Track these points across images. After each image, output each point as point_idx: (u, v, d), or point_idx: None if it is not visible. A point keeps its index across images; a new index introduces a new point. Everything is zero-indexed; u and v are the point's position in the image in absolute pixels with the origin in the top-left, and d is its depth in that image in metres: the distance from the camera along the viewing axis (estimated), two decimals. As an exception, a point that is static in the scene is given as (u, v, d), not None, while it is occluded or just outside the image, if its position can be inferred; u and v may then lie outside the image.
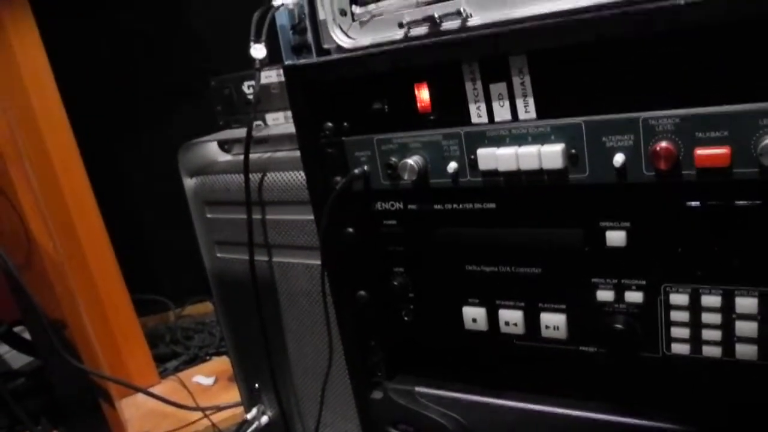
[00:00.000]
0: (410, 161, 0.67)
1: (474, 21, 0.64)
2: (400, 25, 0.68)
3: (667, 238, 0.60)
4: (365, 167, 0.72)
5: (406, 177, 0.67)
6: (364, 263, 0.77)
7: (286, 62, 0.89)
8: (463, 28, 0.64)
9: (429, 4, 0.66)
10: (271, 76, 1.03)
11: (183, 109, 1.96)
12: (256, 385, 1.09)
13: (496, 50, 0.62)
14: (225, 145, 1.08)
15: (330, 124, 0.74)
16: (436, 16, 0.65)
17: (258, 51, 0.93)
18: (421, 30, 0.67)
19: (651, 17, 0.54)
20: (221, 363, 1.80)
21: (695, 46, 0.55)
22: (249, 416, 1.09)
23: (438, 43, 0.65)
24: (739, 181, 0.55)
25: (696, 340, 0.62)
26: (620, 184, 0.59)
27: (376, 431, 0.83)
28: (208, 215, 1.04)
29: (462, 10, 0.63)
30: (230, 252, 1.01)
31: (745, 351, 0.60)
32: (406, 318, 0.76)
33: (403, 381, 0.81)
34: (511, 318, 0.69)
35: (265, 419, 1.10)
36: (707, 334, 0.61)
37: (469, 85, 0.65)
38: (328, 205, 0.74)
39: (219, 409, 1.52)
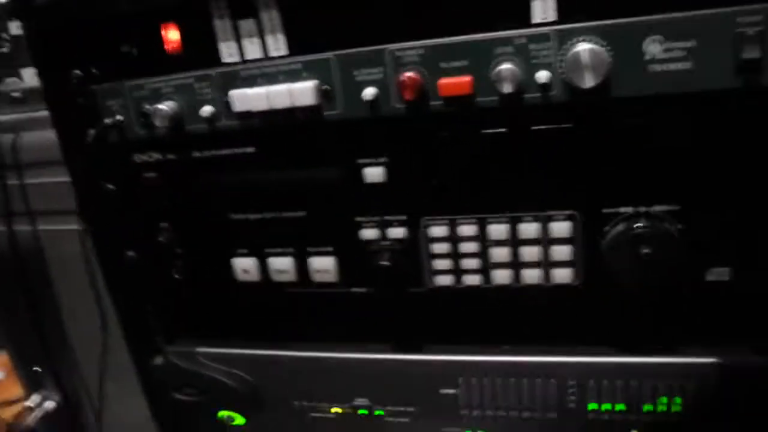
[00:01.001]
0: (162, 106, 0.63)
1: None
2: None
3: (422, 171, 0.61)
4: (118, 116, 0.66)
5: (158, 123, 0.63)
6: (129, 221, 0.71)
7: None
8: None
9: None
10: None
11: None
12: (36, 369, 1.00)
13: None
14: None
15: (78, 71, 0.67)
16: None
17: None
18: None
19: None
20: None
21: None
22: (29, 403, 1.00)
23: (182, -23, 0.61)
24: (483, 109, 0.56)
25: (457, 271, 0.63)
26: (373, 118, 0.59)
27: (161, 398, 0.79)
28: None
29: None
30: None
31: (501, 276, 0.62)
32: (177, 276, 0.72)
33: (184, 343, 0.77)
34: (282, 265, 0.68)
35: (50, 404, 1.01)
36: (466, 263, 0.63)
37: (217, 23, 0.61)
38: (81, 160, 0.68)
39: (9, 403, 1.39)
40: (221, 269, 0.70)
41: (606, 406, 0.65)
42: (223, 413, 0.77)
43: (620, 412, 0.65)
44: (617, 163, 0.57)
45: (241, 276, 0.69)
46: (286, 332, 0.73)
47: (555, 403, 0.66)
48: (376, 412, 0.71)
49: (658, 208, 0.57)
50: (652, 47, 0.52)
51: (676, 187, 0.57)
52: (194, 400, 0.77)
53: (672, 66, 0.52)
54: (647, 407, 0.64)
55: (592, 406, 0.65)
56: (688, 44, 0.51)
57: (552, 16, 0.54)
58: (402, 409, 0.70)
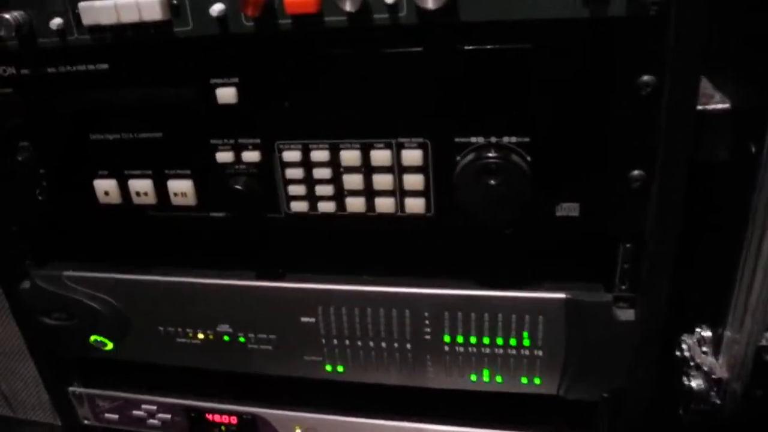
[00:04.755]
0: (7, 15, 0.60)
1: None
2: None
3: (274, 93, 0.59)
4: (-34, 26, 0.63)
5: (3, 33, 0.60)
6: (-14, 139, 0.69)
7: None
8: None
9: None
10: None
11: None
12: None
13: None
14: None
15: None
16: None
17: None
18: None
19: None
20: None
21: None
22: None
23: None
24: (333, 29, 0.55)
25: (312, 197, 0.63)
26: (223, 36, 0.57)
27: (31, 322, 0.78)
28: None
29: None
30: None
31: (355, 203, 0.62)
32: (40, 197, 0.70)
33: (52, 267, 0.76)
34: (141, 188, 0.66)
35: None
36: (320, 189, 0.62)
37: (63, -73, 0.58)
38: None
39: None
40: (84, 191, 0.68)
41: (460, 339, 0.66)
42: (94, 338, 0.76)
43: (474, 344, 0.66)
44: (468, 91, 0.56)
45: (102, 198, 0.68)
46: (150, 257, 0.72)
47: (411, 334, 0.67)
48: (239, 339, 0.71)
49: (508, 139, 0.57)
50: (505, -28, 0.51)
51: (526, 118, 0.56)
52: (63, 325, 0.76)
53: (520, -9, 0.51)
54: (500, 340, 0.65)
55: (446, 337, 0.66)
56: (536, -30, 0.50)
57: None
58: (264, 336, 0.70)
